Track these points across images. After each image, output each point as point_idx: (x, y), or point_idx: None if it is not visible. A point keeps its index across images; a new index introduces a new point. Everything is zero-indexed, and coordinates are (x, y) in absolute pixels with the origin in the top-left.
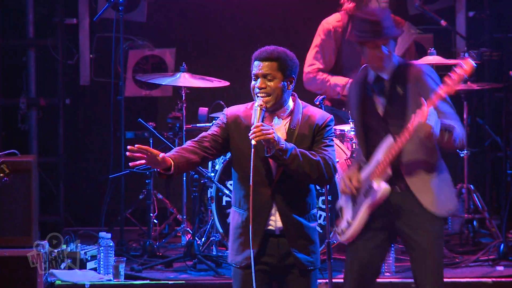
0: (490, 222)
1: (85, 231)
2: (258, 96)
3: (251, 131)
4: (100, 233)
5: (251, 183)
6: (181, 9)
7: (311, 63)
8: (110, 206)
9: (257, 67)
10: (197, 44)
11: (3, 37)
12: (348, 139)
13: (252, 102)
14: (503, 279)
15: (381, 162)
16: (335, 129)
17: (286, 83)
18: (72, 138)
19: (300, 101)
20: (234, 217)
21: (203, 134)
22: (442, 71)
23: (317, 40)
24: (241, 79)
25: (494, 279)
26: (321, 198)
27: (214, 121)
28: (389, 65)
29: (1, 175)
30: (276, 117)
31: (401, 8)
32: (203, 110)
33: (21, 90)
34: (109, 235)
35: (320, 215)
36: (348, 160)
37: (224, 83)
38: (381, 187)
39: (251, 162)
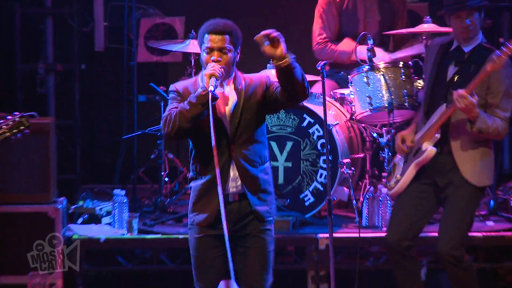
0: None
1: (100, 188)
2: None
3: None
4: (114, 190)
5: (213, 139)
6: None
7: (319, 33)
8: (124, 165)
9: (212, 40)
10: (206, 12)
11: (22, 6)
12: (348, 102)
13: (196, 76)
14: (493, 233)
15: (432, 126)
16: (335, 93)
17: (236, 55)
18: (87, 101)
19: (237, 70)
20: (196, 183)
21: (171, 112)
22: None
23: (319, 11)
24: (247, 46)
25: (484, 233)
26: (322, 158)
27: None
28: (474, 38)
29: (22, 128)
30: (224, 83)
31: None
32: None
33: (39, 56)
34: (123, 192)
35: (322, 174)
36: (348, 121)
37: None
38: (427, 148)
39: (211, 119)
